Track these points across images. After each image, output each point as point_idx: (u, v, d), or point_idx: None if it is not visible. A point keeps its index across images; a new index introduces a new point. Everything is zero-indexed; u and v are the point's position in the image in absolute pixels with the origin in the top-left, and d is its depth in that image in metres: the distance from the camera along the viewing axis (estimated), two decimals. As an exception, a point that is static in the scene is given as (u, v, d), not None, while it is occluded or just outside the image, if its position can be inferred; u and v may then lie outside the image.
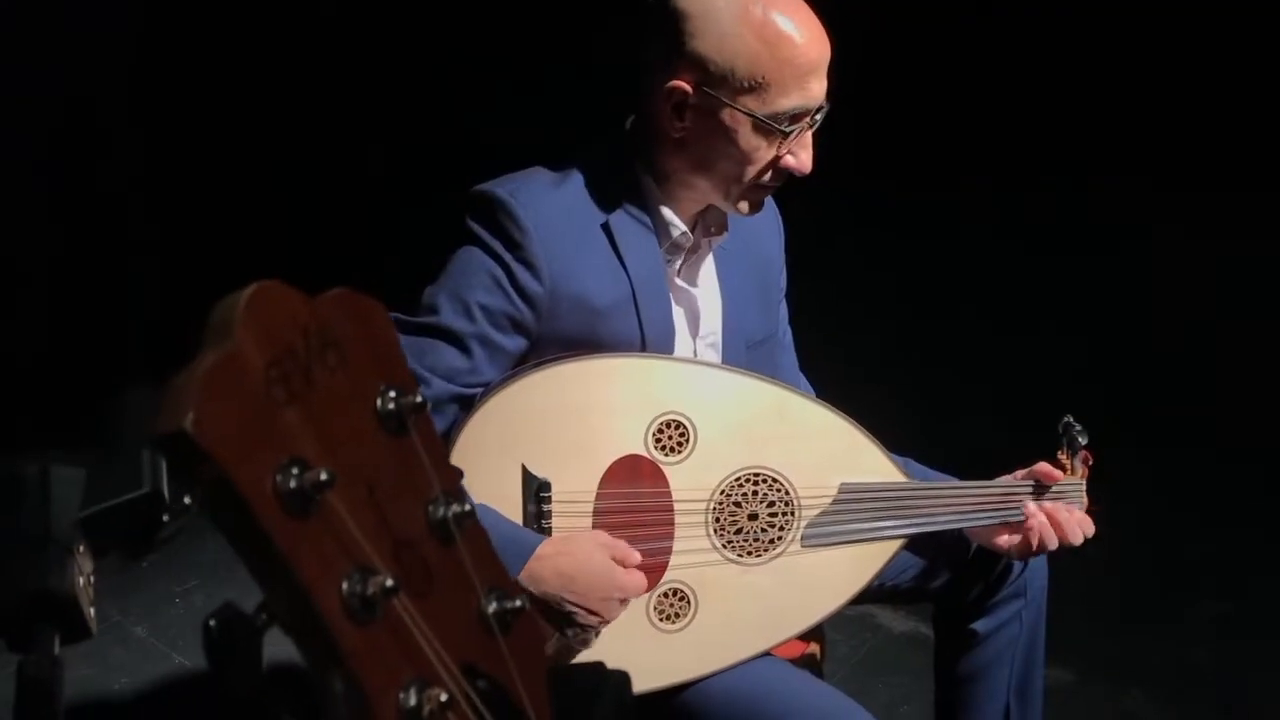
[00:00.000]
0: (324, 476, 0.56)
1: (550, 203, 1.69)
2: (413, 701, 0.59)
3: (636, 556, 1.63)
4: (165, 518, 0.54)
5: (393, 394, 0.63)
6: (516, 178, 1.73)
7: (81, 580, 0.80)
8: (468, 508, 0.65)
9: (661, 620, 1.70)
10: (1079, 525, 1.82)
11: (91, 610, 0.81)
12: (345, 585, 0.58)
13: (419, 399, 0.64)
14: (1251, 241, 4.80)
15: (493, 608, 0.66)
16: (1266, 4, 4.79)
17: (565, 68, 4.55)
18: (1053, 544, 1.81)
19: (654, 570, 1.68)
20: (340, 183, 4.72)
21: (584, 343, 1.70)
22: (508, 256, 1.66)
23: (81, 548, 0.81)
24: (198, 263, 4.17)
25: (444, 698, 0.60)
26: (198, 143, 4.44)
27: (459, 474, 0.68)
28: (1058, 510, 1.81)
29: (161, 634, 2.95)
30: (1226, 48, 5.11)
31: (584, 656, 1.61)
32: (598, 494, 1.67)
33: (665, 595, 1.70)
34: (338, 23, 4.76)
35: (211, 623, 0.55)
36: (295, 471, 0.56)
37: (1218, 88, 5.26)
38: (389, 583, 0.58)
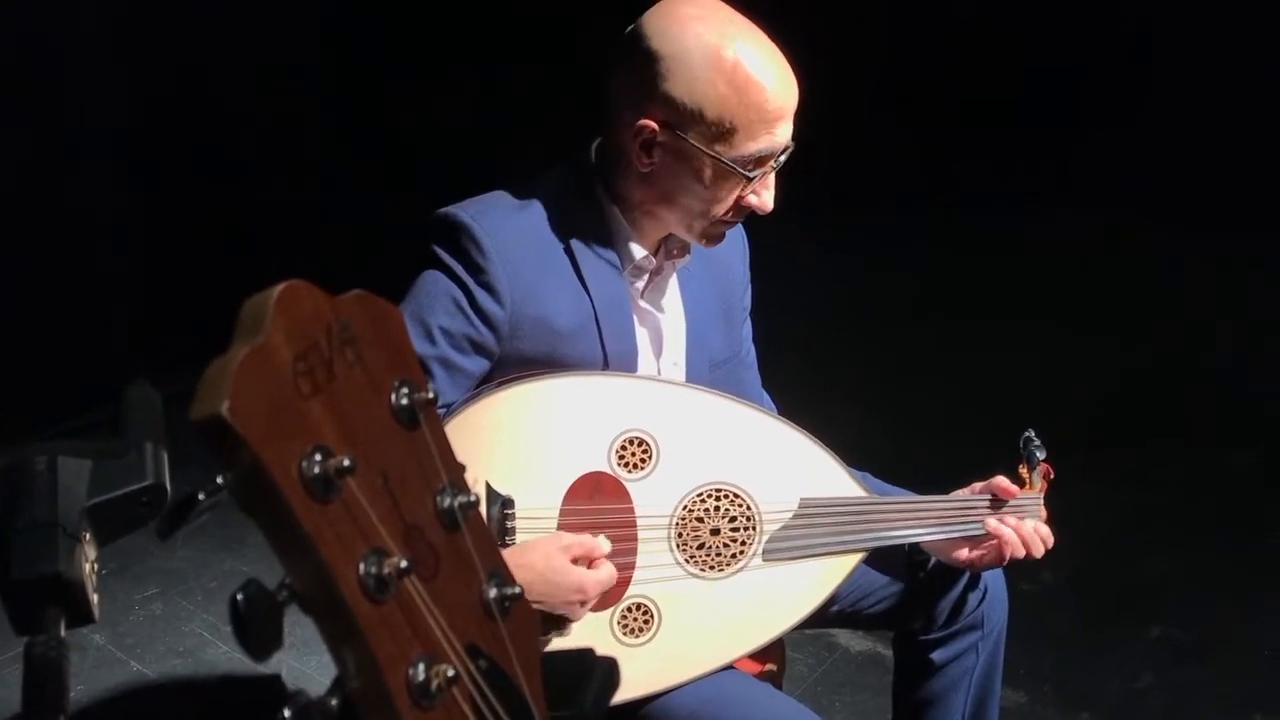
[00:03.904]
0: (346, 463, 0.61)
1: (513, 226, 1.73)
2: (421, 676, 0.63)
3: (603, 547, 1.65)
4: (201, 496, 0.58)
5: (405, 389, 0.68)
6: (479, 201, 1.76)
7: (87, 567, 0.83)
8: (471, 498, 0.70)
9: (625, 634, 1.73)
10: (1040, 538, 1.85)
11: (95, 596, 0.84)
12: (362, 565, 0.62)
13: (430, 395, 0.69)
14: (1226, 263, 4.95)
15: (493, 593, 0.70)
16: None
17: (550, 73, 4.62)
18: (1020, 554, 1.83)
19: (618, 585, 1.70)
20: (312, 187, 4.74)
21: (546, 363, 1.74)
22: (469, 280, 1.69)
23: (87, 535, 0.84)
24: (185, 262, 4.20)
25: (450, 673, 0.64)
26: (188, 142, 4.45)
27: (462, 467, 0.72)
28: (1022, 525, 1.85)
29: (119, 642, 2.94)
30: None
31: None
32: (561, 510, 1.69)
33: (629, 610, 1.73)
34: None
35: (238, 596, 0.59)
36: (319, 458, 0.61)
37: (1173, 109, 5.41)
38: (403, 564, 0.62)
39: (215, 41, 4.49)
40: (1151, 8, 5.50)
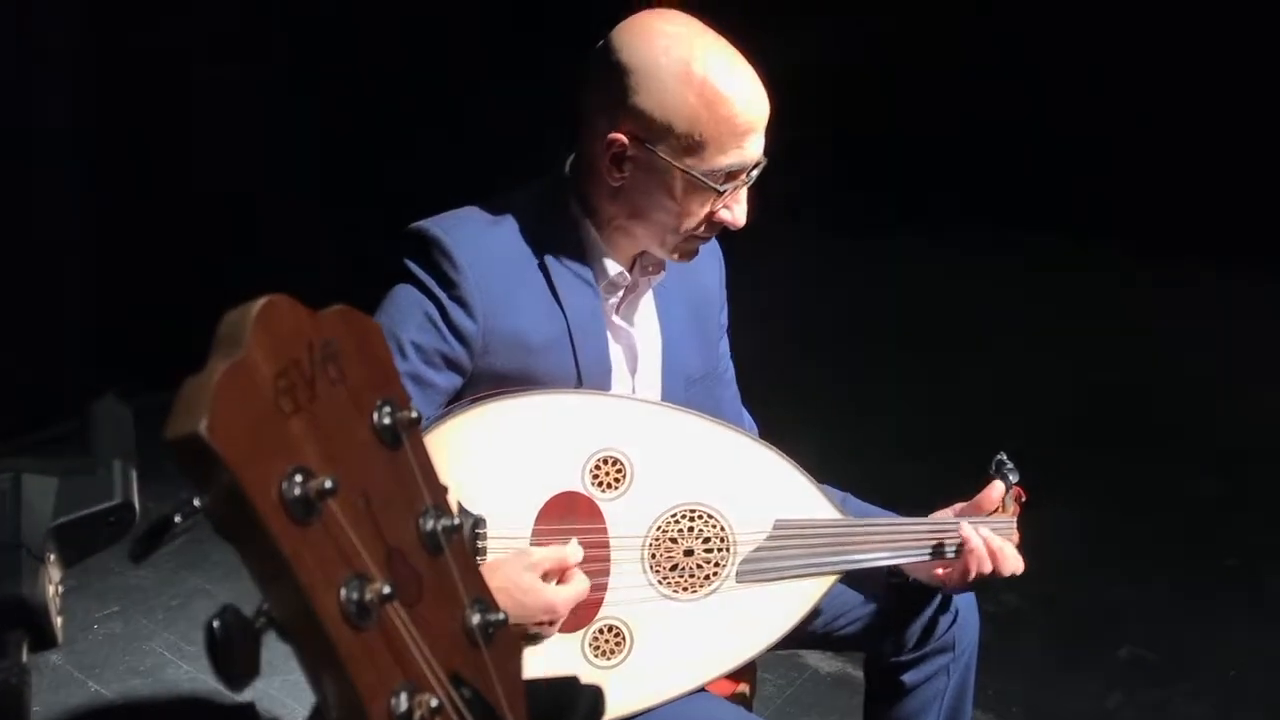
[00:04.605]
0: (328, 485, 0.58)
1: (486, 241, 1.71)
2: (404, 706, 0.61)
3: (573, 556, 1.63)
4: (177, 519, 0.55)
5: (388, 408, 0.65)
6: (452, 216, 1.74)
7: (51, 589, 0.80)
8: (455, 521, 0.67)
9: (597, 657, 1.71)
10: (1007, 557, 1.84)
11: (59, 620, 0.81)
12: (343, 591, 0.59)
13: (414, 414, 0.66)
14: (1193, 288, 4.99)
15: (476, 619, 0.68)
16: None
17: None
18: (987, 569, 1.82)
19: (589, 606, 1.68)
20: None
21: (519, 380, 1.72)
22: (442, 294, 1.67)
23: (52, 556, 0.81)
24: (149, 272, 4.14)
25: (434, 703, 0.62)
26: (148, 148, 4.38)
27: (445, 489, 0.70)
28: (992, 539, 1.83)
29: (78, 661, 2.89)
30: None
31: None
32: (534, 530, 1.67)
33: (600, 632, 1.71)
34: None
35: (215, 624, 0.56)
36: (299, 479, 0.58)
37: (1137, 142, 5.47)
38: (386, 589, 0.60)
39: (190, 41, 4.43)
40: (1122, 36, 5.56)
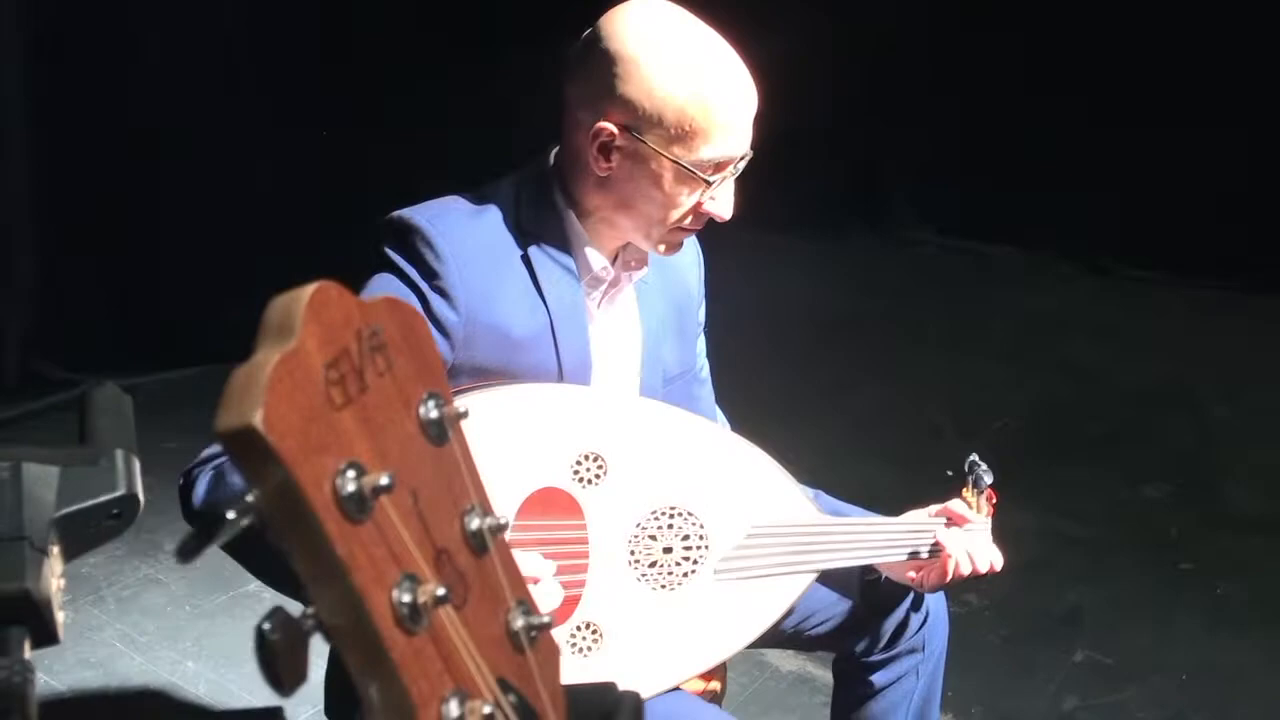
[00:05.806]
0: (384, 481, 0.56)
1: (469, 232, 1.68)
2: (455, 713, 0.58)
3: (547, 567, 1.61)
4: (230, 515, 0.52)
5: (433, 402, 0.63)
6: (435, 205, 1.72)
7: (54, 583, 0.77)
8: (501, 521, 0.65)
9: (574, 654, 1.69)
10: (989, 557, 1.86)
11: (61, 615, 0.77)
12: (395, 592, 0.57)
13: (461, 409, 0.64)
14: (1141, 295, 5.05)
15: (520, 622, 0.65)
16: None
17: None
18: (966, 571, 1.84)
19: (567, 603, 1.67)
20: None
21: (500, 373, 1.69)
22: (424, 285, 1.64)
23: (55, 549, 0.78)
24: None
25: (486, 710, 0.59)
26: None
27: (484, 486, 0.67)
28: (969, 540, 1.85)
29: (25, 652, 2.81)
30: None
31: None
32: (514, 526, 1.65)
33: (578, 629, 1.69)
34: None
35: (265, 626, 0.53)
36: (352, 475, 0.56)
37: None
38: (440, 591, 0.58)
39: (145, 26, 4.33)
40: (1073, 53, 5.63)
